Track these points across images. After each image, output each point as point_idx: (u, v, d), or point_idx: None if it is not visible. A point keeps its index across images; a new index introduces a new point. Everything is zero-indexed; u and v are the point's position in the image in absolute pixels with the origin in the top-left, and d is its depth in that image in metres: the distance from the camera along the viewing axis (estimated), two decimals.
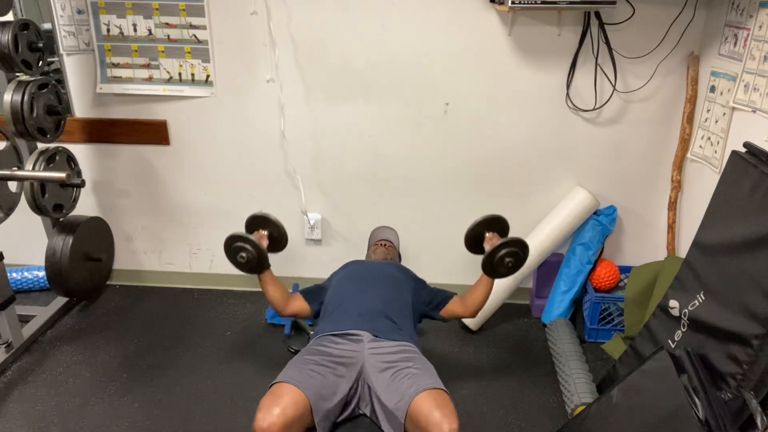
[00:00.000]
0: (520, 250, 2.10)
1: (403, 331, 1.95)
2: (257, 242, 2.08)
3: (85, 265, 2.71)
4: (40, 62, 2.45)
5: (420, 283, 2.25)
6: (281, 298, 2.15)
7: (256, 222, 2.24)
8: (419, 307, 2.17)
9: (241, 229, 2.89)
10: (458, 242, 2.81)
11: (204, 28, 2.52)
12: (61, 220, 2.66)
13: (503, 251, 2.08)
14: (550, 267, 2.74)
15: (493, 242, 2.13)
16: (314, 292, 2.19)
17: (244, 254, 2.08)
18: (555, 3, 2.17)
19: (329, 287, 2.19)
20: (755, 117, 1.99)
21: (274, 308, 2.17)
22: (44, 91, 2.41)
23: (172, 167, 2.80)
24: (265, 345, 2.58)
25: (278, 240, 2.26)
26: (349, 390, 1.75)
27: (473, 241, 2.25)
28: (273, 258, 2.94)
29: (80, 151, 2.76)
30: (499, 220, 2.22)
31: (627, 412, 1.73)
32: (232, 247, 2.10)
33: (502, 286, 2.65)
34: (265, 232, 2.22)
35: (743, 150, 1.88)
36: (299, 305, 2.16)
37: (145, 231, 2.96)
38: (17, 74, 2.38)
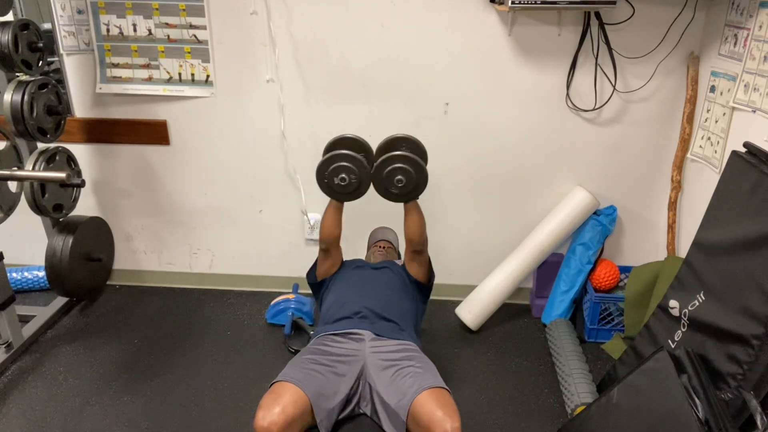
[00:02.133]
0: (411, 167, 1.86)
1: (404, 331, 1.95)
2: (364, 161, 1.86)
3: (85, 265, 2.71)
4: (40, 62, 2.45)
5: (404, 272, 2.23)
6: (338, 233, 2.12)
7: (346, 145, 2.01)
8: (416, 295, 2.16)
9: (245, 232, 2.91)
10: (458, 242, 2.82)
11: (204, 28, 2.52)
12: (61, 220, 2.66)
13: (393, 165, 1.85)
14: (550, 267, 2.74)
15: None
16: (345, 262, 2.23)
17: (345, 176, 1.88)
18: (555, 3, 2.17)
19: (332, 284, 2.18)
20: (755, 117, 1.99)
21: (323, 234, 2.09)
22: (44, 91, 2.41)
23: (172, 167, 2.80)
24: (265, 345, 2.58)
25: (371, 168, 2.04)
26: (350, 388, 1.75)
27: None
28: (273, 257, 2.96)
29: (80, 151, 2.76)
30: (408, 139, 2.00)
31: (627, 412, 1.73)
32: (333, 167, 1.88)
33: (502, 286, 2.65)
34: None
35: (743, 150, 1.88)
36: (340, 256, 2.20)
37: (145, 231, 2.96)
38: (17, 74, 2.38)
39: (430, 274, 2.22)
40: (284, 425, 1.55)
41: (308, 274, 2.25)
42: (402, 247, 2.69)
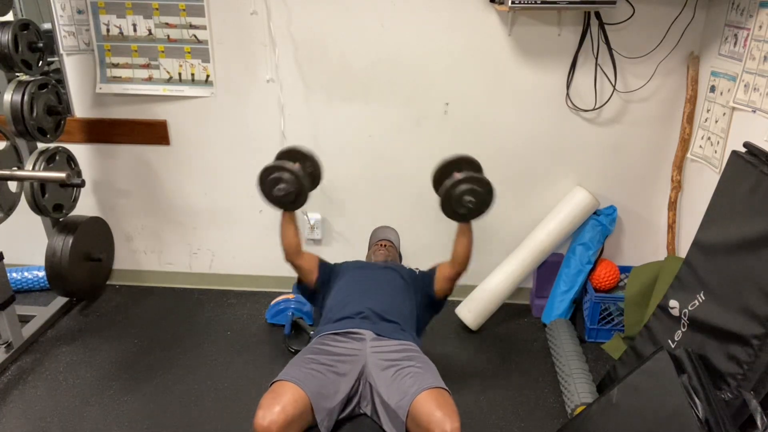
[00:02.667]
0: (481, 187, 1.89)
1: (405, 332, 1.94)
2: (298, 172, 1.92)
3: (85, 265, 2.71)
4: (40, 62, 2.45)
5: (418, 278, 2.22)
6: (297, 243, 2.10)
7: (288, 156, 2.08)
8: (422, 299, 2.15)
9: (245, 232, 2.91)
10: None
11: (204, 28, 2.52)
12: (61, 220, 2.66)
13: (463, 187, 1.89)
14: (550, 267, 2.74)
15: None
16: (327, 265, 2.18)
17: (283, 186, 1.92)
18: (555, 3, 2.17)
19: (334, 280, 2.17)
20: (755, 117, 1.99)
21: (285, 251, 2.10)
22: (44, 91, 2.41)
23: (172, 167, 2.80)
24: (265, 345, 2.58)
25: (314, 176, 2.12)
26: (351, 388, 1.74)
27: (442, 182, 2.04)
28: (273, 258, 2.96)
29: (80, 151, 2.76)
30: (470, 160, 2.04)
31: (627, 412, 1.73)
32: (270, 178, 1.93)
33: (502, 286, 2.65)
34: (299, 166, 2.06)
35: (743, 150, 1.88)
36: (311, 263, 2.13)
37: (145, 231, 2.96)
38: (17, 74, 2.38)
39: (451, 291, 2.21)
40: (284, 424, 1.55)
41: (298, 288, 2.24)
42: (402, 248, 2.70)
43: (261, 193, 2.01)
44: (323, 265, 2.18)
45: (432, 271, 2.18)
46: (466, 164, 2.06)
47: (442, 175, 2.05)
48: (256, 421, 1.55)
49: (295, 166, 1.99)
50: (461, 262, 2.11)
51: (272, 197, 1.98)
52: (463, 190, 1.89)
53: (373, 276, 2.15)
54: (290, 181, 1.93)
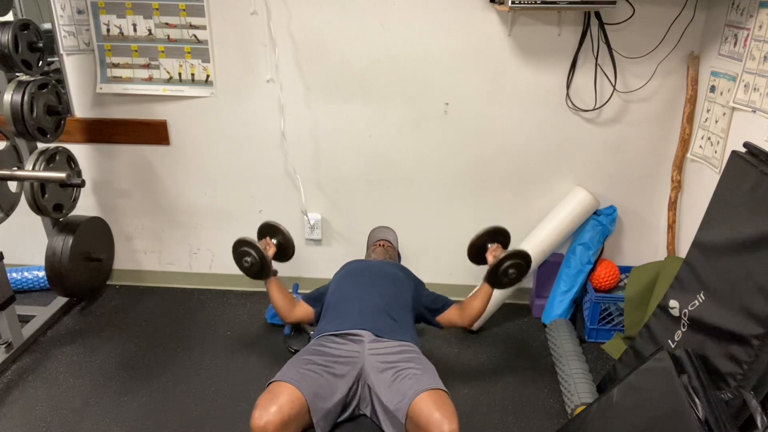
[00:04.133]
0: (524, 261, 2.14)
1: (404, 329, 1.94)
2: (262, 249, 2.16)
3: (85, 265, 2.71)
4: (40, 62, 2.45)
5: (419, 283, 2.25)
6: (286, 305, 2.19)
7: (266, 229, 2.36)
8: (419, 308, 2.16)
9: (245, 232, 2.90)
10: (458, 242, 2.82)
11: (204, 28, 2.52)
12: (61, 220, 2.66)
13: (508, 263, 2.12)
14: (550, 267, 2.74)
15: (496, 253, 2.17)
16: (317, 297, 2.20)
17: (248, 259, 2.17)
18: (555, 3, 2.17)
19: (334, 283, 2.18)
20: (755, 117, 1.99)
21: (279, 315, 2.22)
22: (44, 91, 2.41)
23: (172, 167, 2.80)
24: (265, 345, 2.58)
25: (285, 249, 2.36)
26: (349, 390, 1.74)
27: (476, 251, 2.29)
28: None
29: (80, 151, 2.76)
30: (502, 231, 2.27)
31: (627, 412, 1.72)
32: (239, 251, 2.20)
33: None
34: (273, 241, 2.34)
35: (743, 150, 1.88)
36: (304, 311, 2.19)
37: (145, 231, 2.96)
38: (17, 74, 2.38)
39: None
40: (280, 425, 1.55)
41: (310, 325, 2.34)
42: (402, 248, 2.70)
43: (234, 262, 2.25)
44: (312, 301, 2.21)
45: (444, 306, 2.20)
46: (500, 235, 2.28)
47: (477, 245, 2.27)
48: (252, 421, 1.55)
49: (264, 241, 2.32)
50: (470, 321, 2.20)
51: (241, 266, 2.23)
52: (509, 264, 2.12)
53: (371, 272, 2.16)
54: (254, 255, 2.17)
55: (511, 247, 2.24)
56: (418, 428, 1.59)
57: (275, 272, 2.23)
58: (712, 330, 1.73)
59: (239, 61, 2.56)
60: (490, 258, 2.19)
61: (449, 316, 2.19)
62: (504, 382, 2.36)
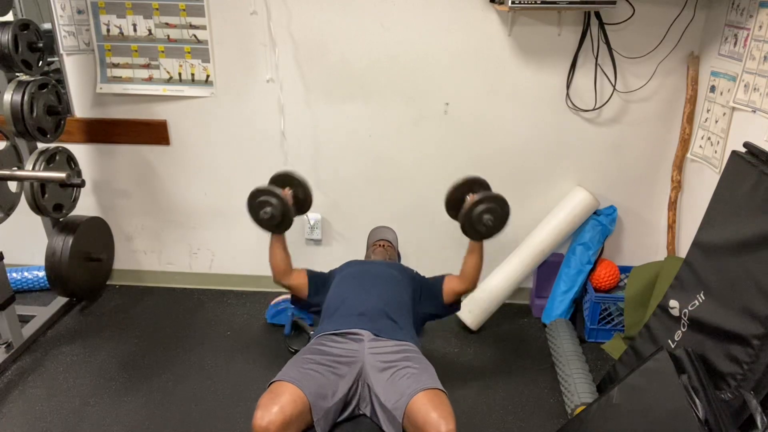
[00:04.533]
0: (498, 206, 1.99)
1: (404, 330, 1.94)
2: (284, 197, 1.99)
3: (85, 265, 2.71)
4: (40, 62, 2.45)
5: (418, 281, 2.22)
6: (286, 264, 2.14)
7: (281, 180, 2.16)
8: (421, 308, 2.16)
9: (244, 232, 2.91)
10: (458, 242, 2.82)
11: (204, 28, 2.52)
12: (61, 220, 2.66)
13: (481, 207, 1.98)
14: (550, 267, 2.74)
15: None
16: (318, 276, 2.19)
17: (268, 209, 1.99)
18: (555, 3, 2.17)
19: (330, 284, 2.18)
20: (755, 117, 1.99)
21: (274, 272, 2.15)
22: (44, 91, 2.41)
23: (172, 167, 2.80)
24: (265, 345, 2.58)
25: (303, 203, 2.20)
26: (349, 389, 1.75)
27: (455, 204, 2.15)
28: None
29: (80, 151, 2.76)
30: (480, 182, 2.13)
31: (627, 412, 1.73)
32: (257, 201, 2.00)
33: (502, 286, 2.65)
34: (290, 191, 2.14)
35: (743, 150, 1.88)
36: (300, 280, 2.16)
37: (145, 231, 2.96)
38: (17, 74, 2.38)
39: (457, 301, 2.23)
40: (282, 425, 1.55)
41: (292, 302, 2.27)
42: (402, 248, 2.70)
43: (249, 214, 2.07)
44: (314, 277, 2.19)
45: (439, 282, 2.20)
46: (477, 185, 2.13)
47: (454, 198, 2.13)
48: (254, 421, 1.55)
49: (283, 191, 2.06)
50: (471, 280, 2.17)
51: (258, 220, 2.05)
52: (481, 210, 1.97)
53: (370, 274, 2.16)
54: (276, 205, 1.99)
55: None
56: (416, 428, 1.59)
57: (291, 223, 2.09)
58: (712, 330, 1.73)
59: (239, 61, 2.56)
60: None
61: (450, 286, 2.17)
62: (504, 382, 2.36)
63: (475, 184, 2.13)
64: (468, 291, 2.21)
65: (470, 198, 2.08)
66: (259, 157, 2.74)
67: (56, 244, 2.57)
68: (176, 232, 2.95)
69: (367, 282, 2.10)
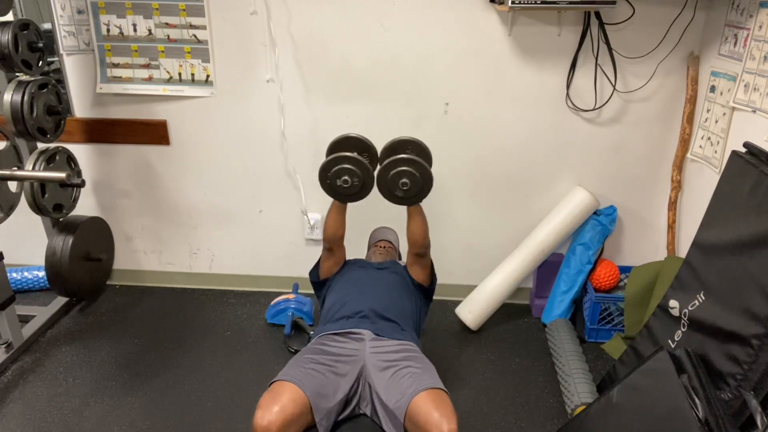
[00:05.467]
0: (415, 169, 1.84)
1: (405, 331, 1.95)
2: (367, 163, 1.85)
3: (85, 265, 2.71)
4: (40, 62, 2.45)
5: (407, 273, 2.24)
6: (342, 233, 2.15)
7: (348, 144, 2.01)
8: (418, 297, 2.16)
9: (244, 232, 2.91)
10: (458, 242, 2.82)
11: (204, 28, 2.52)
12: (61, 220, 2.66)
13: (396, 169, 1.84)
14: (550, 267, 2.74)
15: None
16: (346, 263, 2.24)
17: (348, 177, 1.86)
18: (555, 3, 2.17)
19: (334, 284, 2.18)
20: (755, 117, 1.99)
21: (327, 235, 2.12)
22: (44, 91, 2.41)
23: (172, 167, 2.80)
24: (265, 345, 2.58)
25: (373, 166, 2.05)
26: (350, 389, 1.75)
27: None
28: (273, 257, 2.96)
29: (80, 151, 2.76)
30: (417, 144, 2.00)
31: (627, 412, 1.73)
32: (336, 168, 1.86)
33: (502, 286, 2.65)
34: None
35: (743, 150, 1.88)
36: (342, 257, 2.22)
37: (145, 231, 2.96)
38: (17, 74, 2.38)
39: (432, 277, 2.23)
40: (283, 424, 1.55)
41: (311, 272, 2.26)
42: (403, 248, 2.69)
43: (322, 183, 1.94)
44: (345, 263, 2.23)
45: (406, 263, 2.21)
46: (414, 147, 1.99)
47: (386, 156, 2.00)
48: (255, 420, 1.55)
49: (363, 159, 1.91)
50: (417, 245, 2.11)
51: (333, 189, 1.93)
52: (397, 171, 1.83)
53: (372, 276, 2.16)
54: (357, 173, 1.87)
55: None
56: (417, 427, 1.59)
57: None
58: (712, 330, 1.73)
59: (239, 61, 2.56)
60: None
61: (408, 261, 2.18)
62: (504, 382, 2.36)
63: (410, 145, 1.98)
64: (419, 255, 2.12)
65: (393, 157, 1.94)
66: (259, 157, 2.73)
67: (56, 244, 2.57)
68: (176, 232, 2.95)
69: (369, 287, 2.09)
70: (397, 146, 2.09)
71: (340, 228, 2.14)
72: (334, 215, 2.12)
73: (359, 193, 1.95)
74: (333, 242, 2.16)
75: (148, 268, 3.04)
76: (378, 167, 1.97)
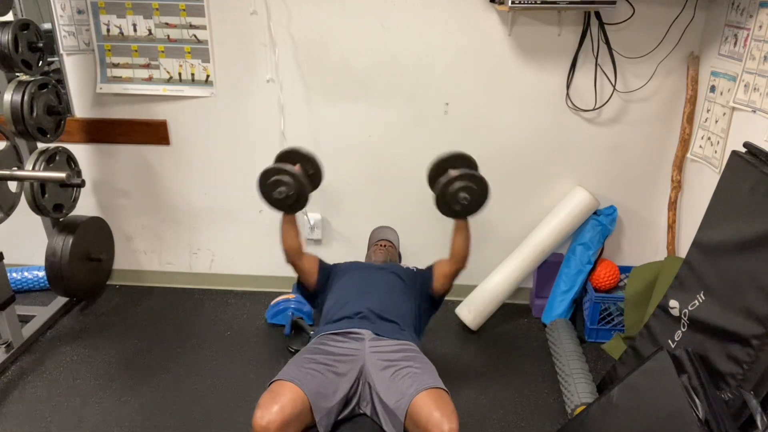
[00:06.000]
0: (475, 184, 1.92)
1: (404, 331, 1.94)
2: (299, 175, 1.92)
3: (85, 265, 2.71)
4: (40, 62, 2.45)
5: (419, 276, 2.22)
6: (298, 245, 2.12)
7: (290, 157, 2.08)
8: (423, 303, 2.15)
9: (244, 232, 2.91)
10: None
11: (204, 28, 2.52)
12: (61, 220, 2.66)
13: (457, 184, 1.91)
14: (550, 267, 2.74)
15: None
16: (326, 267, 2.19)
17: (283, 189, 1.93)
18: (555, 3, 2.17)
19: (332, 281, 2.17)
20: (755, 117, 1.99)
21: (286, 253, 2.12)
22: (44, 91, 2.41)
23: (172, 167, 2.80)
24: (265, 345, 2.58)
25: (315, 178, 2.13)
26: (350, 388, 1.74)
27: (437, 178, 2.06)
28: (273, 258, 2.96)
29: (80, 151, 2.76)
30: (465, 157, 2.06)
31: (627, 412, 1.73)
32: (271, 180, 1.93)
33: (502, 286, 2.65)
34: (300, 168, 2.05)
35: (743, 150, 1.88)
36: (311, 264, 2.15)
37: (145, 231, 2.96)
38: (17, 74, 2.38)
39: (450, 286, 2.22)
40: (282, 424, 1.55)
41: (298, 289, 2.25)
42: (402, 248, 2.69)
43: (261, 195, 2.02)
44: (323, 266, 2.19)
45: (430, 270, 2.19)
46: (462, 161, 2.07)
47: (437, 172, 2.07)
48: (254, 420, 1.55)
49: (296, 169, 1.99)
50: (459, 260, 2.13)
51: (272, 200, 2.00)
52: (458, 187, 1.92)
53: (372, 276, 2.15)
54: (290, 183, 1.94)
55: None
56: (418, 427, 1.59)
57: (306, 202, 2.04)
58: (712, 330, 1.73)
59: (239, 61, 2.56)
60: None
61: (440, 270, 2.15)
62: (504, 382, 2.36)
63: (459, 160, 2.05)
64: (458, 270, 2.15)
65: (452, 173, 1.99)
66: (259, 157, 2.73)
67: (56, 244, 2.57)
68: (176, 232, 2.95)
69: (369, 288, 2.09)
70: (449, 161, 2.09)
71: (294, 240, 2.12)
72: (290, 230, 2.11)
73: (296, 203, 1.99)
74: (294, 255, 2.13)
75: (148, 268, 3.04)
76: (438, 182, 1.99)
